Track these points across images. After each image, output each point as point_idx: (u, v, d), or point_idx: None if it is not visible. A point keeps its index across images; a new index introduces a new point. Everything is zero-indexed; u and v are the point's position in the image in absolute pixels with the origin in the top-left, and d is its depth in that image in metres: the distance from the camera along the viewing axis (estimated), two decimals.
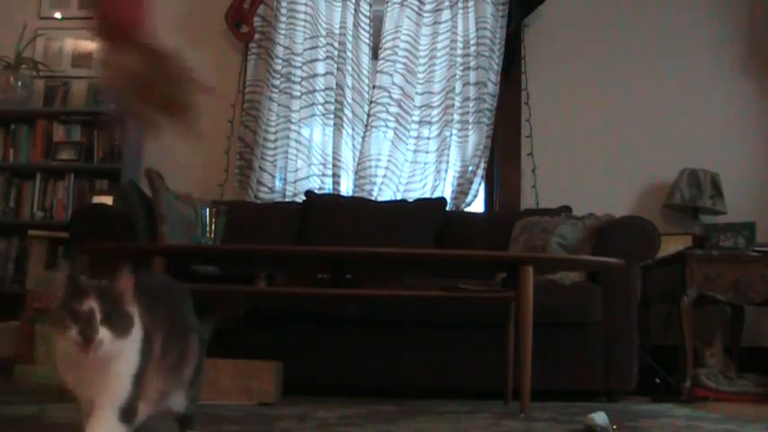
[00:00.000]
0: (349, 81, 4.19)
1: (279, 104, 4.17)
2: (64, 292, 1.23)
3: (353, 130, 4.17)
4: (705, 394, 3.26)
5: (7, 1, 4.48)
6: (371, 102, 4.17)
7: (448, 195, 4.10)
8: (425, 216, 3.78)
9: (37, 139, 4.16)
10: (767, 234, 3.88)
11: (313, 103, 4.19)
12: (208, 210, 2.77)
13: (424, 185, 4.14)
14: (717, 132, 4.22)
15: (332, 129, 4.16)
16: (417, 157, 4.17)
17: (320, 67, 4.21)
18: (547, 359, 2.82)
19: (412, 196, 4.08)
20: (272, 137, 4.12)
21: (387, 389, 3.05)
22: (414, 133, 4.18)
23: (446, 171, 4.14)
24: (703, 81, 4.26)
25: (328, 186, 4.12)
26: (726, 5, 4.32)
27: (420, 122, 4.19)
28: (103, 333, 1.17)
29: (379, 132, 4.16)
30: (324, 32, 4.24)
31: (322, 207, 3.81)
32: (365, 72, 4.22)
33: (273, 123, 4.14)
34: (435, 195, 4.08)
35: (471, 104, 4.17)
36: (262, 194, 4.06)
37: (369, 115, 4.16)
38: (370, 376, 3.03)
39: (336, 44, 4.22)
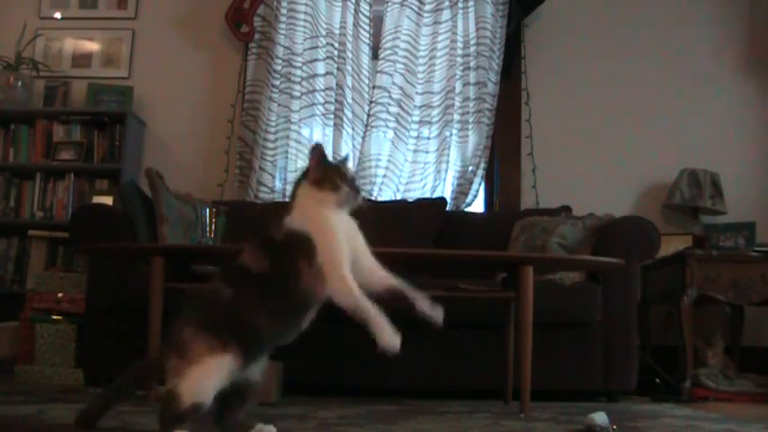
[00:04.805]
0: (349, 81, 4.19)
1: (279, 104, 4.17)
2: (324, 167, 1.64)
3: (353, 130, 4.17)
4: (705, 394, 3.26)
5: (7, 1, 4.48)
6: (371, 102, 4.17)
7: (448, 195, 4.10)
8: (425, 216, 3.77)
9: (37, 139, 4.16)
10: (767, 234, 3.88)
11: (313, 103, 4.19)
12: (208, 210, 2.77)
13: (424, 185, 4.14)
14: (717, 132, 4.22)
15: (332, 129, 4.16)
16: (417, 157, 4.16)
17: (320, 67, 4.21)
18: (547, 359, 2.81)
19: (412, 196, 4.08)
20: (272, 137, 4.12)
21: (387, 389, 3.05)
22: (414, 133, 4.18)
23: (446, 171, 4.14)
24: (703, 81, 4.26)
25: None
26: (726, 5, 4.32)
27: (420, 122, 4.19)
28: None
29: (379, 132, 4.16)
30: (324, 32, 4.24)
31: None
32: (365, 72, 4.22)
33: (273, 123, 4.14)
34: (435, 195, 4.08)
35: (471, 104, 4.17)
36: (262, 194, 4.06)
37: (369, 115, 4.16)
38: (370, 376, 3.02)
39: (336, 44, 4.22)
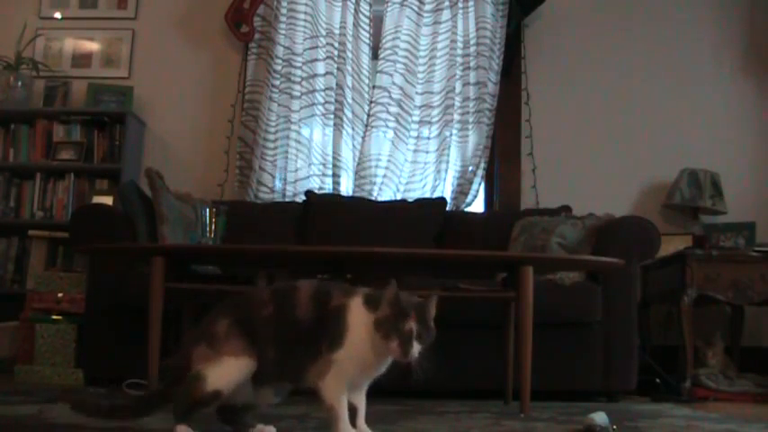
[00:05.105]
0: (349, 81, 4.18)
1: (279, 104, 4.17)
2: (390, 308, 1.50)
3: (353, 130, 4.17)
4: (705, 394, 3.26)
5: (7, 1, 4.48)
6: (371, 102, 4.17)
7: (448, 195, 4.10)
8: (425, 216, 3.77)
9: (37, 139, 4.16)
10: (767, 234, 3.88)
11: (313, 103, 4.19)
12: (208, 210, 2.77)
13: (424, 185, 4.14)
14: (717, 132, 4.22)
15: (332, 129, 4.16)
16: (417, 157, 4.16)
17: (320, 67, 4.21)
18: (547, 359, 2.81)
19: (412, 196, 4.08)
20: (272, 137, 4.12)
21: (387, 389, 3.05)
22: (414, 133, 4.18)
23: (446, 171, 4.14)
24: (703, 81, 4.26)
25: (328, 186, 4.11)
26: (726, 5, 4.33)
27: (420, 122, 4.19)
28: (416, 348, 1.56)
29: (379, 132, 4.16)
30: (324, 32, 4.24)
31: (322, 207, 3.81)
32: (365, 72, 4.22)
33: (273, 123, 4.14)
34: (435, 195, 4.08)
35: (471, 104, 4.17)
36: (262, 194, 4.06)
37: (369, 115, 4.16)
38: None
39: (336, 44, 4.22)
